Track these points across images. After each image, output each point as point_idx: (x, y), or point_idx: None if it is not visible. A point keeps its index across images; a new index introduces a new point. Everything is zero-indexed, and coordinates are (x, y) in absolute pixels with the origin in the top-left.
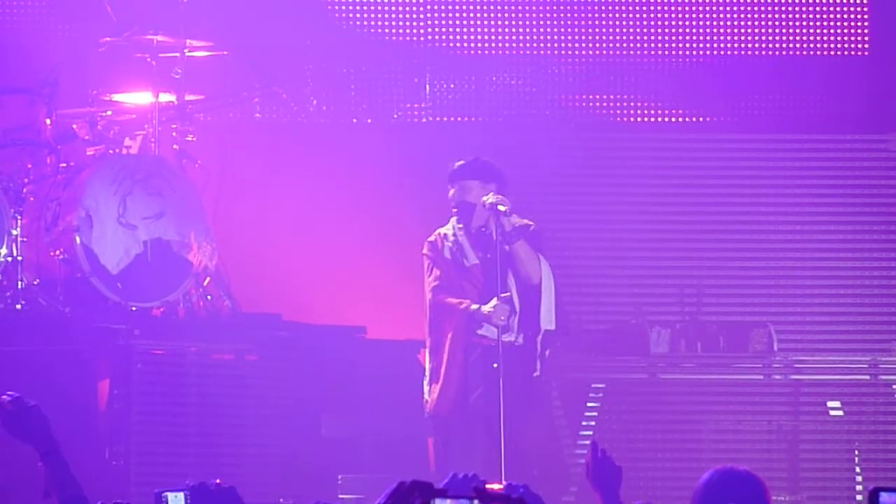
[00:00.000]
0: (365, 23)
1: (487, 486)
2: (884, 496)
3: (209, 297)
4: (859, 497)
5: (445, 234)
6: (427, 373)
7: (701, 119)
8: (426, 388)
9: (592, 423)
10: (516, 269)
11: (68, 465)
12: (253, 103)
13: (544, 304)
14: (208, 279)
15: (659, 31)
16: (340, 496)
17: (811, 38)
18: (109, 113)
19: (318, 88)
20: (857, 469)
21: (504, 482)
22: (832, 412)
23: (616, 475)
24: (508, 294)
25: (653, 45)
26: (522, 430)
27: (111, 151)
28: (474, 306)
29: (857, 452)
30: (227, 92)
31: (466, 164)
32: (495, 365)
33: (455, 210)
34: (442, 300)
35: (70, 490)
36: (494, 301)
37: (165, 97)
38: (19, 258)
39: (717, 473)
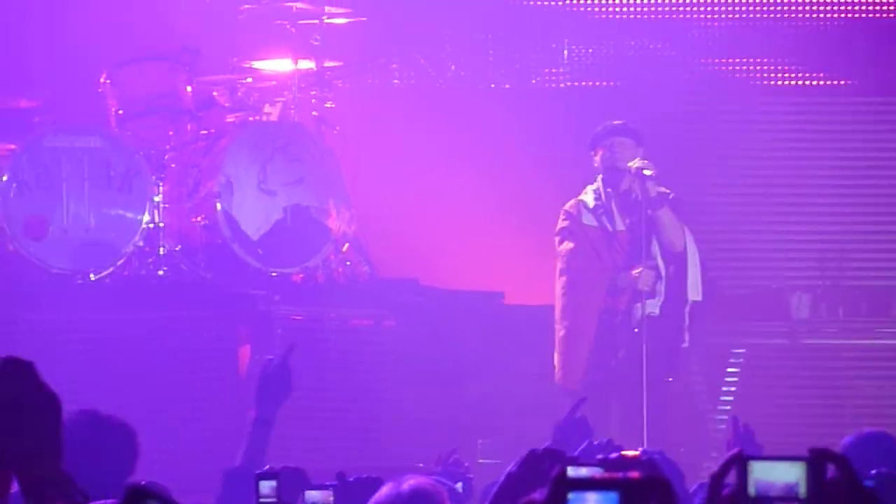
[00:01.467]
0: None
1: (623, 452)
2: None
3: (348, 263)
4: None
5: (584, 201)
6: (558, 342)
7: (845, 82)
8: (557, 360)
9: (733, 388)
10: (660, 236)
11: (267, 445)
12: (391, 69)
13: (691, 274)
14: (347, 245)
15: None
16: (480, 461)
17: None
18: (249, 80)
19: (456, 54)
20: None
21: (640, 448)
22: None
23: (757, 452)
24: (654, 261)
25: (795, 7)
26: (662, 397)
27: (251, 118)
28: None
29: None
30: (365, 58)
31: (620, 124)
32: (636, 330)
33: (602, 174)
34: (581, 266)
35: (256, 461)
36: (640, 267)
37: (305, 64)
38: (161, 224)
39: (862, 437)
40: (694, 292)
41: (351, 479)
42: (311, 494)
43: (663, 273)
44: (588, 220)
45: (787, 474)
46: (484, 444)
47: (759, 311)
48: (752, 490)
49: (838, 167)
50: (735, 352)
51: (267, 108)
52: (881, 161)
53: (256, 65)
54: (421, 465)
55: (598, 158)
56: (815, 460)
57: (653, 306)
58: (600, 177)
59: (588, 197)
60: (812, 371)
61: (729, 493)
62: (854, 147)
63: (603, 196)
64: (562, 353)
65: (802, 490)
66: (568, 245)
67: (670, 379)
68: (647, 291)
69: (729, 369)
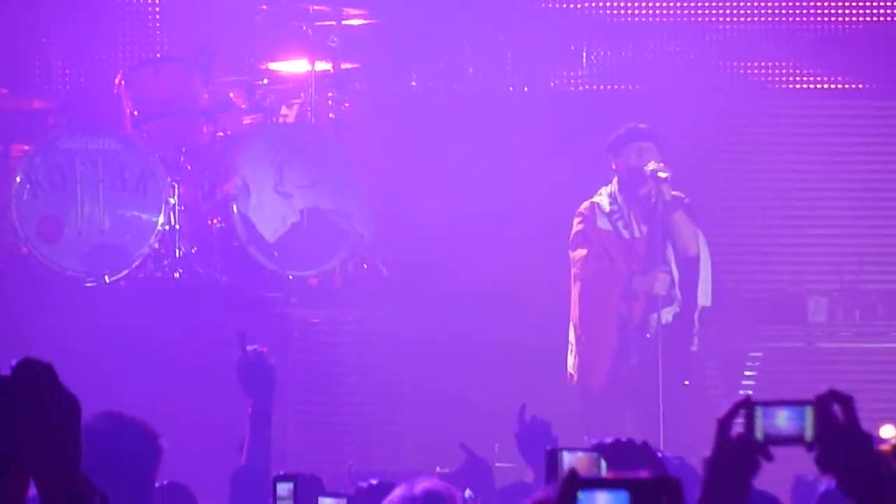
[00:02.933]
0: None
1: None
2: None
3: (365, 266)
4: None
5: (598, 204)
6: (573, 346)
7: (867, 86)
8: (571, 361)
9: (750, 392)
10: (674, 240)
11: (270, 438)
12: (409, 72)
13: (702, 279)
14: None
15: None
16: (497, 464)
17: None
18: (266, 81)
19: (474, 56)
20: None
21: (658, 454)
22: None
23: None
24: (668, 266)
25: (816, 10)
26: (677, 402)
27: (268, 120)
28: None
29: None
30: (382, 60)
31: (645, 128)
32: (648, 335)
33: (619, 176)
34: (596, 271)
35: (260, 458)
36: (655, 272)
37: (321, 65)
38: (177, 227)
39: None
40: (704, 297)
41: (365, 486)
42: (326, 501)
43: (677, 278)
44: (603, 223)
45: (793, 418)
46: (501, 448)
47: (776, 314)
48: (759, 434)
49: (857, 171)
50: (752, 355)
51: (284, 110)
52: None
53: (273, 66)
54: (438, 469)
55: (618, 161)
56: (821, 403)
57: (669, 313)
58: (616, 179)
59: (603, 200)
60: (829, 374)
61: (736, 436)
62: (874, 151)
63: (619, 200)
64: (579, 359)
65: (809, 433)
66: (582, 250)
67: (686, 383)
68: (664, 297)
69: (746, 373)
